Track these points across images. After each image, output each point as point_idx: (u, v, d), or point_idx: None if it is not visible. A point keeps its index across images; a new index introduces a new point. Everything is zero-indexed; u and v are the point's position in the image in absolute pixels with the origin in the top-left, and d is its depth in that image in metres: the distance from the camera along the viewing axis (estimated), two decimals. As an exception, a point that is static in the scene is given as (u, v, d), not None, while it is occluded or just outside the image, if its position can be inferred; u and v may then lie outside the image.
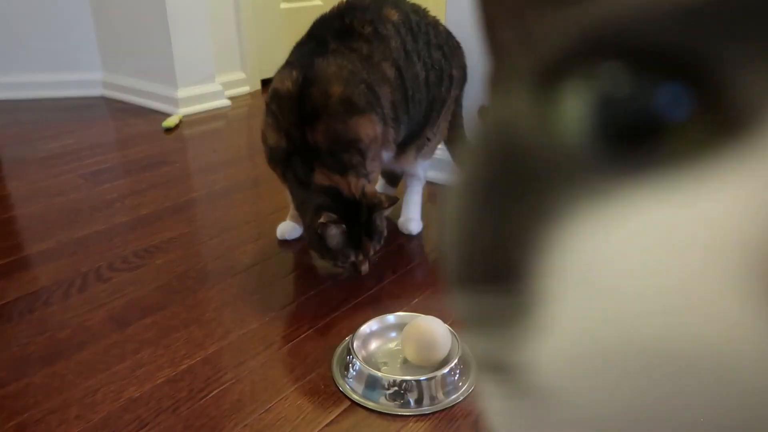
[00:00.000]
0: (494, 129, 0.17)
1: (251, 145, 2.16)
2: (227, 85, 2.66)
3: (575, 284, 0.13)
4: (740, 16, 0.12)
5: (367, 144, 1.14)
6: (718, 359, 0.11)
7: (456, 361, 0.92)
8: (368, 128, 1.14)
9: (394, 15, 1.23)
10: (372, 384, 0.89)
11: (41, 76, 2.66)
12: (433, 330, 0.94)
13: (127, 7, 2.49)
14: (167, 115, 2.35)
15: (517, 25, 0.19)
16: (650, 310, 0.12)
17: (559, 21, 0.15)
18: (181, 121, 2.32)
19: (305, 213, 1.14)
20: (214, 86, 2.56)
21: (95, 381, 0.92)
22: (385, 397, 0.88)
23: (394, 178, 1.50)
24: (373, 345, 1.00)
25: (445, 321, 0.98)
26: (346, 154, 1.12)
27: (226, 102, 2.58)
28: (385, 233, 1.17)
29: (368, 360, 0.95)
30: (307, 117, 1.11)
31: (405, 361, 0.96)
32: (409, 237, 1.39)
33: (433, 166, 1.53)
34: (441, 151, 1.52)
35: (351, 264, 1.15)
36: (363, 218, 1.11)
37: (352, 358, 0.93)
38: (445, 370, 0.90)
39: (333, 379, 0.93)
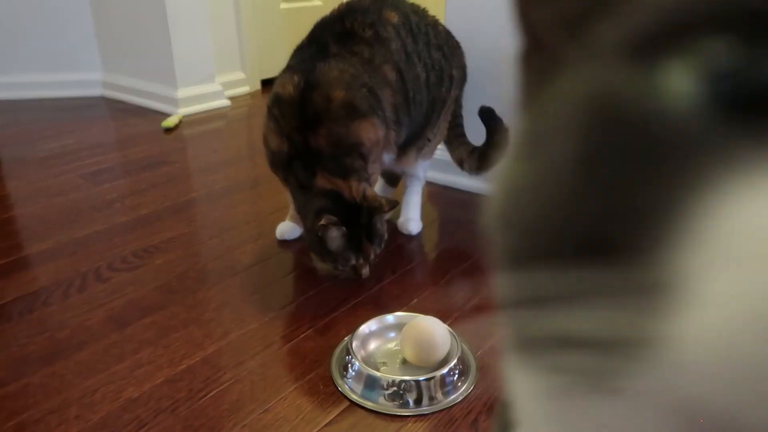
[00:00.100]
0: (584, 103, 0.16)
1: (251, 145, 2.16)
2: (227, 85, 2.66)
3: (728, 256, 0.13)
4: None
5: (369, 148, 1.14)
6: None
7: (455, 361, 0.92)
8: (370, 132, 1.14)
9: (394, 17, 1.23)
10: (371, 384, 0.90)
11: (41, 76, 2.66)
12: (432, 330, 0.94)
13: (127, 7, 2.49)
14: (167, 115, 2.35)
15: (554, 5, 0.19)
16: None
17: None
18: (180, 121, 2.32)
19: (306, 216, 1.14)
20: (214, 86, 2.56)
21: (94, 381, 0.92)
22: (384, 398, 0.88)
23: (393, 179, 1.50)
24: (372, 345, 1.00)
25: (444, 321, 0.98)
26: (348, 158, 1.12)
27: (225, 102, 2.58)
28: (386, 237, 1.17)
29: (367, 360, 0.95)
30: (309, 121, 1.11)
31: (404, 361, 0.96)
32: (409, 237, 1.39)
33: (433, 166, 1.53)
34: (441, 151, 1.52)
35: (351, 267, 1.15)
36: (363, 221, 1.11)
37: (351, 358, 0.93)
38: (444, 370, 0.90)
39: (332, 379, 0.93)
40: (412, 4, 1.31)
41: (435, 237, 1.43)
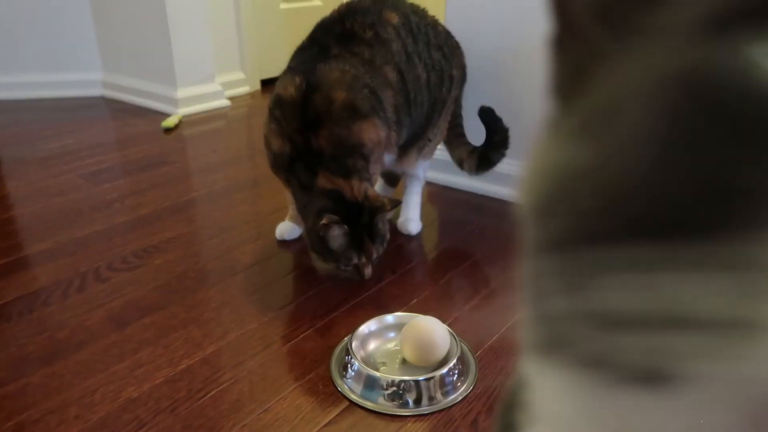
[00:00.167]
0: (667, 82, 0.16)
1: (251, 145, 2.16)
2: (227, 85, 2.66)
3: None
4: None
5: (370, 149, 1.14)
6: None
7: (454, 361, 0.92)
8: (371, 133, 1.14)
9: (394, 17, 1.23)
10: (370, 384, 0.90)
11: (41, 76, 2.66)
12: (431, 330, 0.94)
13: (127, 8, 2.49)
14: (167, 115, 2.35)
15: None
16: None
17: None
18: (180, 121, 2.32)
19: (307, 216, 1.14)
20: (214, 86, 2.56)
21: (94, 381, 0.92)
22: (384, 398, 0.88)
23: (393, 179, 1.50)
24: (372, 345, 1.00)
25: (443, 321, 0.98)
26: (350, 158, 1.12)
27: (225, 102, 2.58)
28: (388, 236, 1.17)
29: (367, 360, 0.95)
30: (311, 123, 1.11)
31: (403, 361, 0.96)
32: (409, 237, 1.39)
33: (433, 166, 1.53)
34: (441, 151, 1.52)
35: (354, 267, 1.14)
36: (365, 221, 1.11)
37: (351, 358, 0.93)
38: (444, 370, 0.90)
39: (332, 379, 0.93)
40: (412, 5, 1.31)
41: (435, 237, 1.43)
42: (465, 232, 1.42)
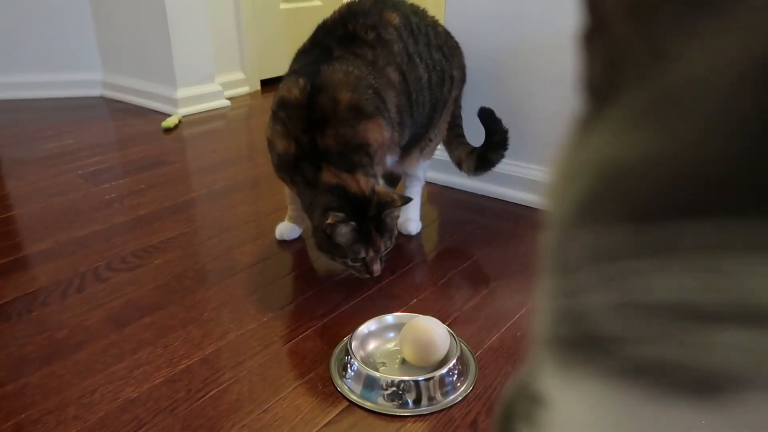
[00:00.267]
0: (752, 61, 0.15)
1: (251, 145, 2.16)
2: (227, 86, 2.66)
3: None
4: None
5: (375, 149, 1.14)
6: None
7: (454, 361, 0.92)
8: (376, 133, 1.13)
9: (395, 18, 1.23)
10: (370, 384, 0.89)
11: (41, 76, 2.66)
12: (431, 330, 0.93)
13: (127, 8, 2.49)
14: (167, 116, 2.35)
15: None
16: None
17: None
18: (180, 122, 2.32)
19: (313, 214, 1.13)
20: (214, 86, 2.56)
21: (93, 381, 0.92)
22: (383, 398, 0.88)
23: (393, 180, 1.50)
24: (372, 345, 1.00)
25: (443, 321, 0.98)
26: (356, 155, 1.12)
27: (225, 102, 2.58)
28: (396, 232, 1.16)
29: (366, 360, 0.95)
30: (317, 123, 1.11)
31: (403, 361, 0.96)
32: (408, 237, 1.39)
33: (433, 166, 1.53)
34: (440, 151, 1.52)
35: (362, 262, 1.12)
36: (371, 213, 1.10)
37: (351, 358, 0.93)
38: (444, 370, 0.90)
39: (331, 380, 0.93)
40: (412, 5, 1.31)
41: (434, 237, 1.43)
42: (465, 232, 1.42)
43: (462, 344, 0.97)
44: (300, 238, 1.37)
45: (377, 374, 0.90)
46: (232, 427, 0.84)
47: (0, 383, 0.92)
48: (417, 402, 0.88)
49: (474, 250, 1.33)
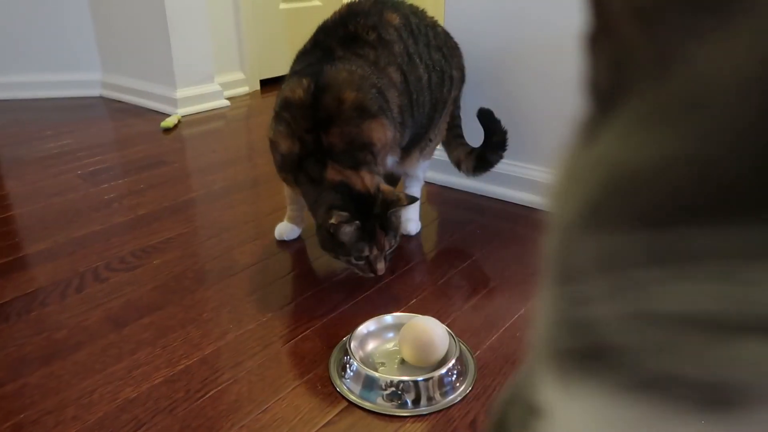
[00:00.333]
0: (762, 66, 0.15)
1: (250, 145, 2.16)
2: (226, 86, 2.66)
3: None
4: None
5: (378, 148, 1.14)
6: None
7: (453, 361, 0.91)
8: (380, 132, 1.13)
9: (395, 19, 1.23)
10: (369, 384, 0.89)
11: (41, 76, 2.66)
12: (430, 330, 0.93)
13: (127, 8, 2.49)
14: (166, 116, 2.35)
15: None
16: None
17: None
18: (179, 122, 2.32)
19: (317, 212, 1.13)
20: (213, 86, 2.56)
21: (92, 381, 0.92)
22: (383, 398, 0.88)
23: (393, 180, 1.50)
24: (371, 345, 1.00)
25: (442, 321, 0.98)
26: (360, 153, 1.12)
27: (225, 102, 2.58)
28: (401, 231, 1.16)
29: (365, 360, 0.95)
30: (322, 122, 1.10)
31: (402, 361, 0.96)
32: (408, 237, 1.39)
33: (432, 166, 1.53)
34: (440, 151, 1.52)
35: (366, 260, 1.12)
36: (376, 211, 1.10)
37: (350, 358, 0.93)
38: (443, 370, 0.90)
39: (330, 380, 0.93)
40: (411, 6, 1.31)
41: (434, 237, 1.43)
42: (464, 232, 1.42)
43: (461, 344, 0.97)
44: (299, 239, 1.37)
45: (376, 374, 0.90)
46: (231, 427, 0.83)
47: (-1, 383, 0.92)
48: (416, 402, 0.88)
49: (473, 250, 1.33)
